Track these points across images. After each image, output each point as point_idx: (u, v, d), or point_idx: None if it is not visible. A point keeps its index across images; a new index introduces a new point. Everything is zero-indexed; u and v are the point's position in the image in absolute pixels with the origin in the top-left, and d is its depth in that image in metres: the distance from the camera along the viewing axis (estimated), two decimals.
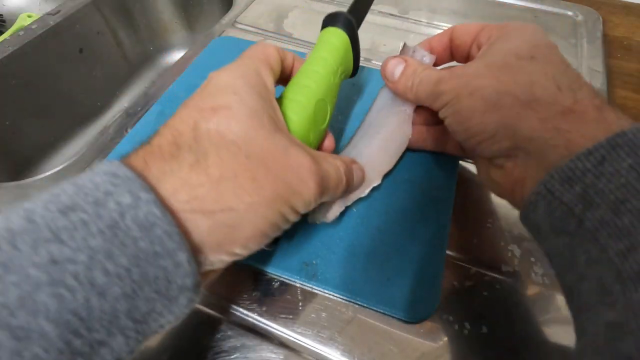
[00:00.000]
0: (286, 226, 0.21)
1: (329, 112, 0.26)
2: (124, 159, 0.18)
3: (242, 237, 0.18)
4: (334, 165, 0.23)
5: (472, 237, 0.29)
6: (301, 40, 0.45)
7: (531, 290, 0.26)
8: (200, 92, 0.21)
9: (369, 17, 0.48)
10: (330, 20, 0.27)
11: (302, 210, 0.21)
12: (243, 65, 0.22)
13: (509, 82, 0.21)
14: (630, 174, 0.15)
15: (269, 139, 0.19)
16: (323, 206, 0.27)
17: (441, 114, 0.25)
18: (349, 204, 0.27)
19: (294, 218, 0.21)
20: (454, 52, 0.29)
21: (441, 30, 0.46)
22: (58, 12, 0.47)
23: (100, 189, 0.15)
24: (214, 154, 0.18)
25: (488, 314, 0.25)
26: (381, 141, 0.29)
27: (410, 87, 0.27)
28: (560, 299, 0.26)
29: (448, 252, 0.28)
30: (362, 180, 0.27)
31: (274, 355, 0.24)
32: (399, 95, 0.29)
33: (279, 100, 0.23)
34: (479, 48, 0.26)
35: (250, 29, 0.47)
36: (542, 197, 0.19)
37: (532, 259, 0.27)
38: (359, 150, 0.29)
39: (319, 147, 0.27)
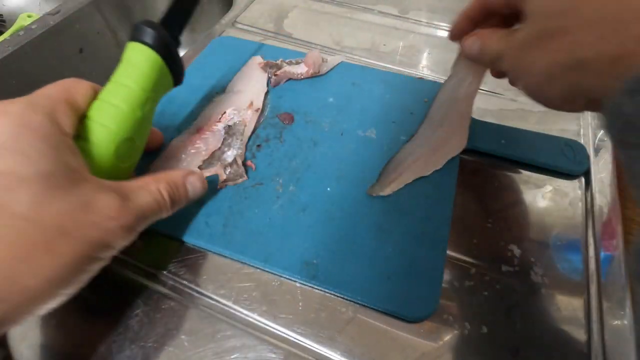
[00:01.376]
0: (96, 271, 0.20)
1: (138, 147, 0.24)
2: None
3: (40, 307, 0.18)
4: (153, 193, 0.22)
5: (472, 237, 0.29)
6: (301, 40, 0.45)
7: (531, 290, 0.26)
8: None
9: (369, 17, 0.48)
10: (137, 34, 0.23)
11: (115, 254, 0.21)
12: (29, 109, 0.19)
13: (558, 50, 0.20)
14: None
15: (65, 199, 0.18)
16: (382, 180, 0.30)
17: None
18: (408, 181, 0.30)
19: (103, 263, 0.21)
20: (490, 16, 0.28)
21: (441, 30, 0.46)
22: (58, 12, 0.47)
23: None
24: None
25: (488, 314, 0.25)
26: (443, 133, 0.32)
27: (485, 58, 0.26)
28: (560, 299, 0.26)
29: (448, 252, 0.28)
30: (202, 188, 0.26)
31: (274, 355, 0.24)
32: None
33: (79, 136, 0.22)
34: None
35: (250, 29, 0.47)
36: (612, 107, 0.18)
37: (532, 259, 0.27)
38: (422, 139, 0.32)
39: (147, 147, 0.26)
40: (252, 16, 0.49)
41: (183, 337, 0.24)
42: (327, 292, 0.26)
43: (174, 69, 0.25)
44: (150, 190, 0.22)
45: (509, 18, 0.27)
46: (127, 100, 0.23)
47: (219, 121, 0.33)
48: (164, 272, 0.27)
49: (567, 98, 0.21)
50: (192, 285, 0.26)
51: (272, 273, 0.27)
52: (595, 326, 0.25)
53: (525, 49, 0.23)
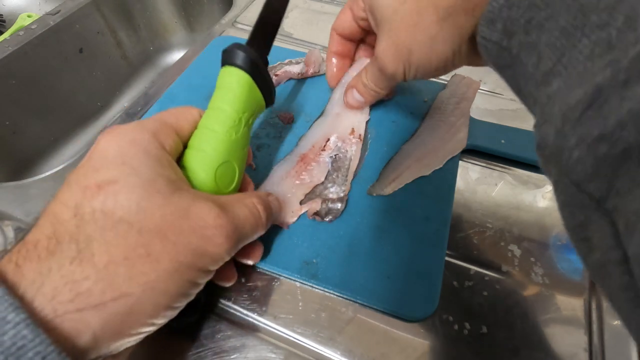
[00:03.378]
0: (197, 290, 0.20)
1: (237, 171, 0.24)
2: None
3: (143, 319, 0.17)
4: (248, 206, 0.22)
5: (472, 237, 0.29)
6: (301, 40, 0.45)
7: (531, 290, 0.26)
8: (85, 164, 0.19)
9: None
10: (227, 58, 0.24)
11: (215, 268, 0.20)
12: (137, 128, 0.20)
13: (425, 12, 0.22)
14: None
15: (165, 205, 0.18)
16: (382, 180, 0.29)
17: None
18: (408, 181, 0.30)
19: (205, 279, 0.20)
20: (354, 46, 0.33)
21: None
22: (58, 12, 0.47)
23: None
24: (99, 238, 0.17)
25: (488, 314, 0.25)
26: (437, 140, 0.33)
27: (372, 93, 0.31)
28: (560, 299, 0.26)
29: (448, 252, 0.28)
30: (280, 208, 0.26)
31: (274, 355, 0.24)
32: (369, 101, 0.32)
33: (180, 164, 0.22)
34: (364, 22, 0.29)
35: (250, 29, 0.47)
36: (481, 44, 0.20)
37: (532, 259, 0.27)
38: (423, 139, 0.33)
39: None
40: (252, 16, 0.49)
41: (183, 337, 0.24)
42: (327, 292, 0.26)
43: (265, 89, 0.25)
44: (246, 203, 0.22)
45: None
46: (222, 123, 0.23)
47: (324, 149, 0.31)
48: None
49: (455, 48, 0.23)
50: None
51: (272, 272, 0.27)
52: (595, 326, 0.25)
53: (397, 42, 0.25)
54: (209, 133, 0.23)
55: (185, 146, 0.23)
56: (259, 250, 0.25)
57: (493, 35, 0.18)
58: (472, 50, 0.23)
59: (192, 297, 0.20)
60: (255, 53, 0.24)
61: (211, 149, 0.22)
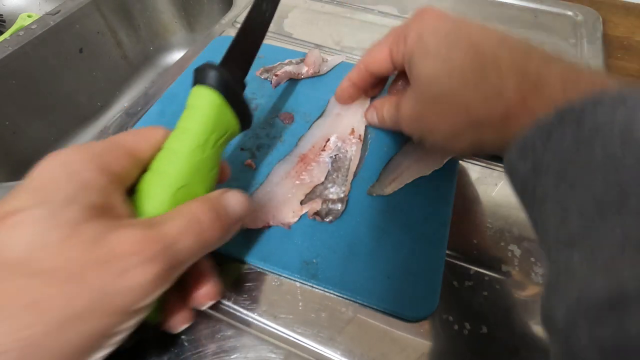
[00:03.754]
0: (117, 339, 0.16)
1: (200, 194, 0.21)
2: None
3: None
4: (186, 215, 0.18)
5: (472, 237, 0.29)
6: (301, 40, 0.45)
7: (531, 290, 0.26)
8: (15, 188, 0.17)
9: (369, 17, 0.48)
10: (198, 77, 0.23)
11: (143, 305, 0.16)
12: (76, 150, 0.18)
13: (455, 112, 0.22)
14: (571, 149, 0.16)
15: (69, 237, 0.15)
16: (382, 180, 0.29)
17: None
18: (408, 181, 0.30)
19: (127, 323, 0.16)
20: (379, 80, 0.32)
21: None
22: (58, 12, 0.47)
23: None
24: None
25: (488, 314, 0.25)
26: None
27: (387, 126, 0.31)
28: None
29: (448, 252, 0.28)
30: (243, 203, 0.22)
31: (274, 355, 0.24)
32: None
33: (137, 186, 0.20)
34: (401, 66, 0.27)
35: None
36: (507, 168, 0.19)
37: (532, 259, 0.27)
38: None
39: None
40: None
41: (183, 337, 0.24)
42: (327, 292, 0.26)
43: (239, 111, 0.23)
44: (183, 212, 0.19)
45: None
46: (185, 143, 0.21)
47: (324, 149, 0.31)
48: None
49: (475, 149, 0.23)
50: None
51: (272, 272, 0.27)
52: None
53: (420, 114, 0.25)
54: (170, 154, 0.21)
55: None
56: (211, 285, 0.21)
57: (520, 167, 0.18)
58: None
59: (112, 347, 0.16)
60: (228, 73, 0.23)
61: (170, 170, 0.20)
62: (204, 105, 0.22)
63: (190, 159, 0.21)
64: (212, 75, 0.22)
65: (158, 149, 0.21)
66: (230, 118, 0.23)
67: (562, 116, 0.16)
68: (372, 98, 0.34)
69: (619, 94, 0.15)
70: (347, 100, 0.33)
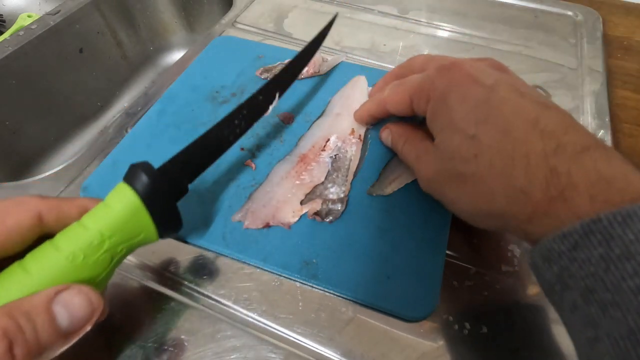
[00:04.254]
0: None
1: None
2: None
3: None
4: None
5: (472, 237, 0.29)
6: (301, 40, 0.45)
7: (531, 290, 0.26)
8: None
9: (369, 17, 0.48)
10: (127, 173, 0.21)
11: None
12: None
13: (477, 198, 0.21)
14: (600, 265, 0.15)
15: None
16: (382, 180, 0.29)
17: None
18: (409, 181, 0.29)
19: None
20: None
21: (441, 30, 0.46)
22: (58, 12, 0.47)
23: None
24: None
25: (488, 314, 0.25)
26: None
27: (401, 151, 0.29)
28: None
29: (448, 252, 0.27)
30: (89, 307, 0.17)
31: (274, 355, 0.24)
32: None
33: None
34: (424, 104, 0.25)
35: (250, 29, 0.47)
36: (532, 266, 0.19)
37: None
38: None
39: None
40: (252, 16, 0.49)
41: (183, 337, 0.24)
42: (327, 292, 0.26)
43: (162, 219, 0.21)
44: None
45: None
46: (72, 240, 0.19)
47: (324, 149, 0.31)
48: (164, 271, 0.27)
49: (498, 230, 0.22)
50: (192, 285, 0.26)
51: (271, 272, 0.27)
52: None
53: (441, 185, 0.23)
54: (48, 249, 0.18)
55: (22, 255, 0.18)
56: None
57: (546, 270, 0.17)
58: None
59: None
60: (163, 177, 0.22)
61: (38, 269, 0.18)
62: (116, 205, 0.20)
63: (69, 260, 0.18)
64: (138, 175, 0.21)
65: (25, 230, 0.18)
66: (146, 225, 0.21)
67: (588, 228, 0.16)
68: None
69: None
70: (365, 124, 0.33)
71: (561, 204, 0.17)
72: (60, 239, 0.19)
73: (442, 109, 0.22)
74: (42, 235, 0.19)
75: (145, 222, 0.21)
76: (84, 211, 0.20)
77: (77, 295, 0.17)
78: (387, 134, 0.30)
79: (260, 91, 0.29)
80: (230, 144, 0.27)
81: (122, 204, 0.20)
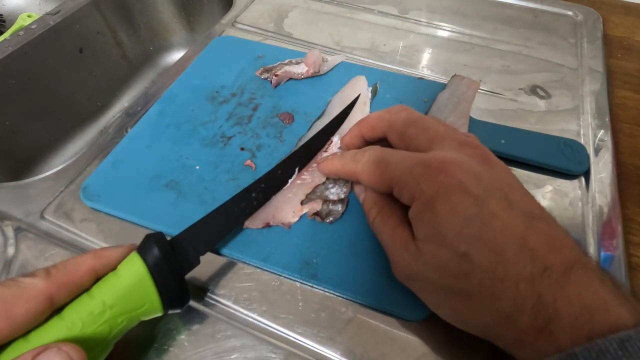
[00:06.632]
0: None
1: None
2: None
3: None
4: None
5: None
6: (301, 40, 0.45)
7: None
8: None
9: (369, 17, 0.48)
10: (141, 243, 0.22)
11: None
12: None
13: (466, 311, 0.20)
14: None
15: None
16: None
17: None
18: None
19: None
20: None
21: (441, 30, 0.46)
22: (58, 12, 0.47)
23: None
24: None
25: None
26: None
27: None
28: None
29: None
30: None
31: (274, 355, 0.24)
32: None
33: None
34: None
35: (250, 29, 0.47)
36: None
37: None
38: None
39: None
40: (252, 16, 0.49)
41: (183, 337, 0.24)
42: (327, 292, 0.26)
43: (168, 292, 0.21)
44: None
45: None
46: (73, 309, 0.19)
47: (325, 151, 0.31)
48: None
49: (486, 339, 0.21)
50: (192, 285, 0.26)
51: (271, 272, 0.27)
52: None
53: (423, 289, 0.22)
54: (53, 315, 0.19)
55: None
56: None
57: None
58: None
59: None
60: (174, 248, 0.22)
61: (38, 336, 0.18)
62: (123, 272, 0.20)
63: (67, 328, 0.18)
64: (149, 247, 0.21)
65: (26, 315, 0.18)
66: (150, 297, 0.21)
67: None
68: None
69: (622, 341, 0.16)
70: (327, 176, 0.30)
71: (547, 335, 0.18)
72: (67, 307, 0.19)
73: (429, 217, 0.21)
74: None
75: (150, 293, 0.21)
76: (93, 277, 0.20)
77: (55, 355, 0.17)
78: (361, 190, 0.27)
79: (280, 165, 0.29)
80: (247, 216, 0.27)
81: (129, 273, 0.20)
